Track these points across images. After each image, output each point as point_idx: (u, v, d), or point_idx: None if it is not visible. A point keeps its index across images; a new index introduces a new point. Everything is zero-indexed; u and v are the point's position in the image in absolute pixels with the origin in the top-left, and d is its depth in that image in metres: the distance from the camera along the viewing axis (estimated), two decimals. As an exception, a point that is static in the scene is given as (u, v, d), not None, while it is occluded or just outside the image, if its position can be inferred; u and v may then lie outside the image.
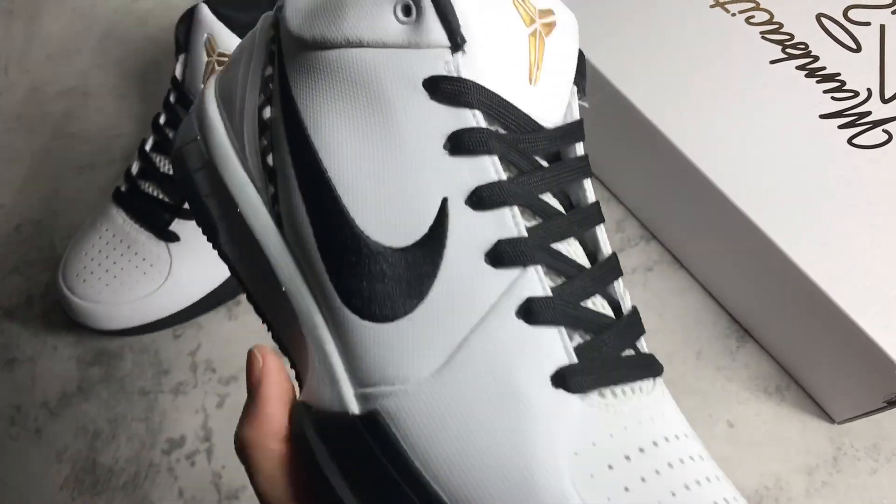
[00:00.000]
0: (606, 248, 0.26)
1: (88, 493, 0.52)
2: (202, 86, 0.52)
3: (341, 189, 0.24)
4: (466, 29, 0.24)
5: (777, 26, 0.54)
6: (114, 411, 0.55)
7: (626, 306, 0.26)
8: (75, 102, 0.69)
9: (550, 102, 0.26)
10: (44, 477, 0.53)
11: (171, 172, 0.54)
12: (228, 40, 0.51)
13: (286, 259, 0.26)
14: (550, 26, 0.26)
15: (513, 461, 0.21)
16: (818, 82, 0.52)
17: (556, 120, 0.27)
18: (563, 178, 0.26)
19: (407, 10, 0.24)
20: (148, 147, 0.55)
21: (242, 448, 0.25)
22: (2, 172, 0.66)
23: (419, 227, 0.23)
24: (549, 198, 0.26)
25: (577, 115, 0.28)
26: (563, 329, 0.23)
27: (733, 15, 0.55)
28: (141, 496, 0.52)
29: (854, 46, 0.53)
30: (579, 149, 0.27)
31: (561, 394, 0.22)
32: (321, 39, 0.25)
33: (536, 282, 0.23)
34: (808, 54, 0.53)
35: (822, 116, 0.51)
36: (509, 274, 0.23)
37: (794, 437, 0.52)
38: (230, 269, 0.29)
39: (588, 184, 0.27)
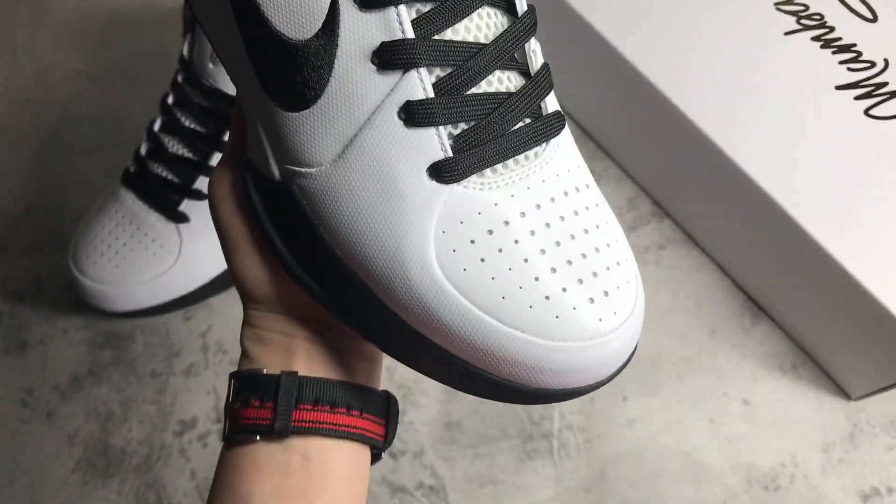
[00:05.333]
0: (522, 6, 0.26)
1: (101, 476, 0.52)
2: (210, 65, 0.52)
3: None
4: None
5: (791, -3, 0.54)
6: (125, 393, 0.55)
7: (535, 67, 0.26)
8: (83, 85, 0.69)
9: None
10: (56, 459, 0.53)
11: (180, 153, 0.54)
12: (236, 18, 0.51)
13: (224, 24, 0.26)
14: None
15: (389, 241, 0.24)
16: (833, 53, 0.51)
17: None
18: None
19: None
20: (157, 128, 0.55)
21: (211, 184, 0.30)
22: (11, 156, 0.65)
23: (313, 22, 0.23)
24: None
25: None
26: (440, 127, 0.24)
27: (746, -13, 0.54)
28: (153, 478, 0.52)
29: (870, 16, 0.52)
30: None
31: (434, 184, 0.24)
32: None
33: (417, 84, 0.24)
34: (823, 25, 0.52)
35: (838, 88, 0.50)
36: (392, 77, 0.24)
37: (810, 414, 0.52)
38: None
39: None
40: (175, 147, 0.54)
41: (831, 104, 0.50)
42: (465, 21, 0.24)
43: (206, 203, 0.54)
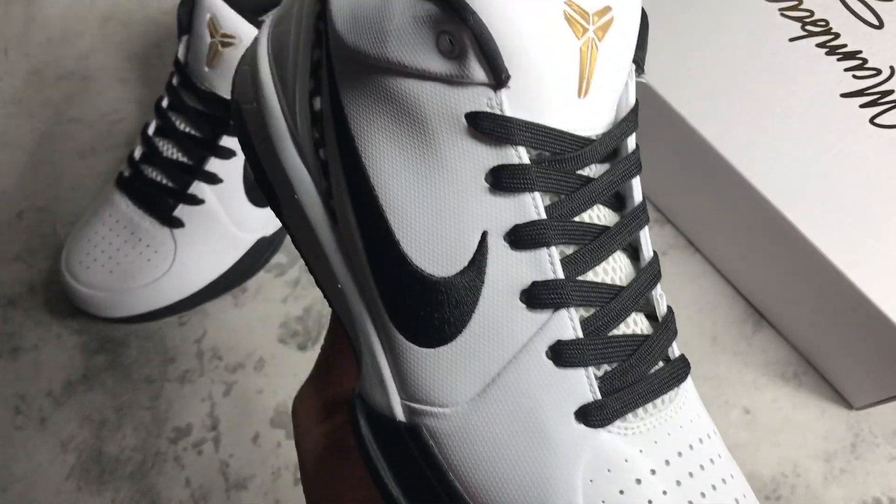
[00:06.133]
0: (648, 252, 0.26)
1: (94, 483, 0.52)
2: (205, 68, 0.51)
3: (388, 210, 0.24)
4: (511, 62, 0.22)
5: (796, 2, 0.53)
6: (119, 400, 0.54)
7: (661, 311, 0.26)
8: (76, 86, 0.68)
9: (601, 106, 0.25)
10: (49, 466, 0.52)
11: (175, 157, 0.53)
12: (231, 21, 0.50)
13: (340, 259, 0.27)
14: (606, 27, 0.24)
15: (534, 490, 0.23)
16: (839, 60, 0.50)
17: (608, 119, 0.26)
18: (612, 184, 0.25)
19: (449, 46, 0.23)
20: (151, 131, 0.54)
21: (296, 410, 0.29)
22: (2, 158, 0.65)
23: (460, 259, 0.24)
24: (596, 210, 0.25)
25: (632, 100, 0.26)
26: (589, 368, 0.23)
27: (750, -9, 0.54)
28: (147, 485, 0.51)
29: (876, 23, 0.52)
30: (631, 142, 0.26)
31: (582, 429, 0.23)
32: (364, 53, 0.24)
33: (567, 324, 0.23)
34: (828, 31, 0.52)
35: (844, 95, 0.49)
36: (542, 316, 0.23)
37: (812, 423, 0.52)
38: (292, 240, 0.29)
39: (636, 182, 0.26)
40: (170, 151, 0.54)
41: (836, 112, 0.49)
42: (603, 264, 0.25)
43: (200, 208, 0.53)
